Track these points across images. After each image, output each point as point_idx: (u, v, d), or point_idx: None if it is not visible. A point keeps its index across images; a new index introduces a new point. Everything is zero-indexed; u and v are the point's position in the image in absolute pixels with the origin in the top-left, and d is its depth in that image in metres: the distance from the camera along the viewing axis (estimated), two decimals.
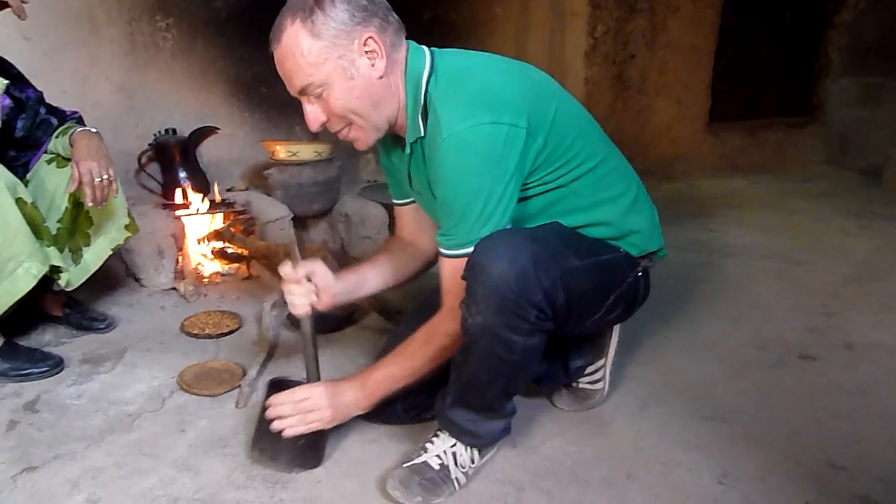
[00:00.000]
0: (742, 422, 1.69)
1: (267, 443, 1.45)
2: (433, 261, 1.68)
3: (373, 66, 1.28)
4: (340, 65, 1.26)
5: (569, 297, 1.32)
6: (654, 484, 1.46)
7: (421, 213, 1.61)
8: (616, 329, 1.73)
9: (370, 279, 1.63)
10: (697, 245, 3.10)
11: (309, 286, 1.49)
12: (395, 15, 1.32)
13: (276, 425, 1.41)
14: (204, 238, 2.67)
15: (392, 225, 1.73)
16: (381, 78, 1.30)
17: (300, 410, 1.41)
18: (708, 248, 3.08)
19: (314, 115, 1.32)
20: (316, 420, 1.42)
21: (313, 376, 1.51)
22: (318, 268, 1.52)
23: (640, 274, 1.53)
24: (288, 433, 1.41)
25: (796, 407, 1.77)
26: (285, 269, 1.49)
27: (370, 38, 1.26)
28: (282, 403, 1.42)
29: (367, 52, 1.27)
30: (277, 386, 1.49)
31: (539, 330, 1.31)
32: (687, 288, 2.56)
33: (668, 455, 1.56)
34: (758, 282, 2.67)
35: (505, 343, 1.28)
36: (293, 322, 2.19)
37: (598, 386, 1.74)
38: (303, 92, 1.30)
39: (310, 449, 1.46)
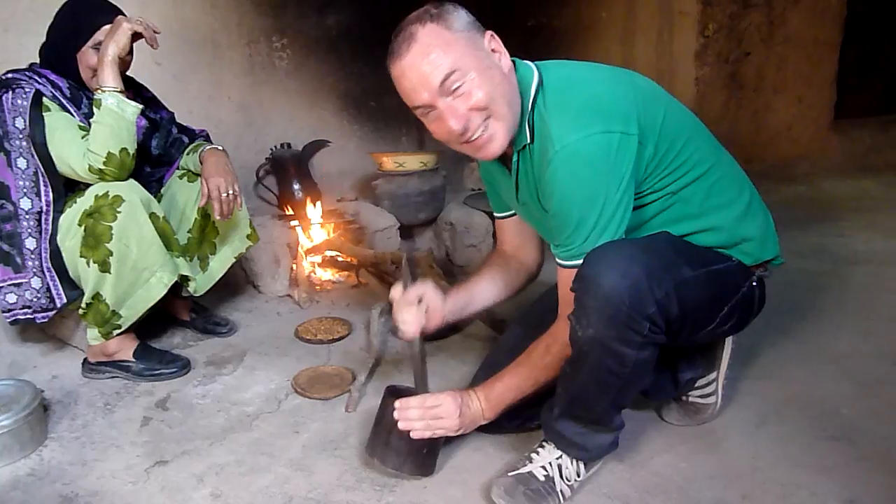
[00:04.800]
0: (873, 444, 1.57)
1: (389, 450, 1.46)
2: (536, 273, 1.68)
3: (500, 60, 1.32)
4: (477, 55, 1.29)
5: (682, 308, 1.28)
6: None
7: (522, 224, 1.61)
8: (729, 341, 1.65)
9: (477, 298, 1.64)
10: (822, 251, 2.90)
11: (419, 309, 1.51)
12: None
13: (403, 426, 1.43)
14: (316, 247, 2.79)
15: (496, 234, 1.74)
16: (510, 71, 1.33)
17: (429, 416, 1.43)
18: (834, 254, 2.88)
19: (453, 111, 1.27)
20: (443, 427, 1.43)
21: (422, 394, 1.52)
22: (429, 289, 1.54)
23: (754, 284, 1.46)
24: (415, 435, 1.42)
25: None
26: (396, 291, 1.52)
27: (493, 36, 1.31)
28: (411, 408, 1.44)
29: (493, 46, 1.31)
30: (394, 394, 1.51)
31: (651, 343, 1.27)
32: (810, 297, 2.40)
33: (789, 476, 1.47)
34: (891, 291, 2.47)
35: (616, 356, 1.26)
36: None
37: (710, 400, 1.67)
38: (445, 85, 1.25)
39: (430, 456, 1.48)
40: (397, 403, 1.44)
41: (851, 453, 1.54)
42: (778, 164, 4.16)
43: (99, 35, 1.84)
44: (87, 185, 1.85)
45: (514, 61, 1.36)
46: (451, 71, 1.25)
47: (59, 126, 1.83)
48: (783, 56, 4.19)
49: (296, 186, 2.99)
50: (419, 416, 1.43)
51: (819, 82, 4.30)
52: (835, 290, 2.50)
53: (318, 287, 2.70)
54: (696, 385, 1.66)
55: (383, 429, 1.47)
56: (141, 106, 1.85)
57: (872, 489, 1.41)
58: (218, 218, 2.00)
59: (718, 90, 4.12)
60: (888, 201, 3.71)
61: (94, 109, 1.79)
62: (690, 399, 1.67)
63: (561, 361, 1.37)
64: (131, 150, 1.83)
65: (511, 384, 1.44)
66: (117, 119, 1.79)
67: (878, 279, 2.59)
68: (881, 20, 4.41)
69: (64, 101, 1.87)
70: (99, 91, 1.79)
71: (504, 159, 1.44)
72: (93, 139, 1.78)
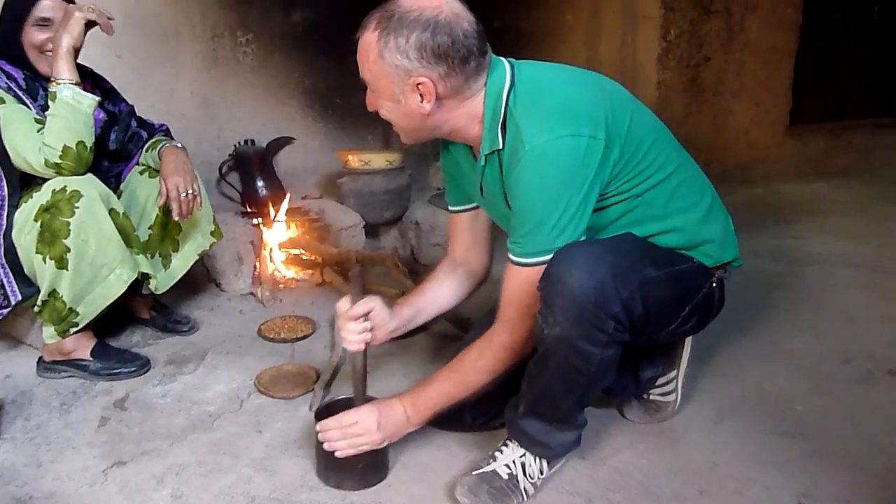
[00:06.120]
0: (825, 439, 1.62)
1: (330, 472, 1.47)
2: (484, 277, 1.69)
3: (421, 103, 1.31)
4: (392, 89, 1.31)
5: (646, 308, 1.31)
6: (729, 501, 1.42)
7: (477, 222, 1.63)
8: (689, 340, 1.69)
9: (423, 310, 1.64)
10: (777, 253, 2.98)
11: (365, 324, 1.49)
12: (479, 58, 1.30)
13: (327, 447, 1.43)
14: (280, 245, 2.76)
15: (449, 233, 1.73)
16: (427, 115, 1.33)
17: (349, 435, 1.42)
18: (789, 255, 2.97)
19: (369, 100, 1.39)
20: (365, 443, 1.42)
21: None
22: (376, 304, 1.52)
23: (714, 285, 1.50)
24: (340, 454, 1.42)
25: (885, 425, 1.68)
26: (342, 305, 1.50)
27: (422, 83, 1.28)
28: (330, 429, 1.43)
29: (418, 91, 1.30)
30: (321, 414, 1.49)
31: (616, 342, 1.30)
32: (766, 297, 2.47)
33: (745, 472, 1.51)
34: (843, 291, 2.55)
35: (582, 354, 1.28)
36: None
37: (670, 398, 1.70)
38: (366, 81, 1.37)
39: (371, 468, 1.48)
40: (318, 426, 1.44)
41: (804, 449, 1.59)
42: (736, 167, 4.26)
43: (38, 11, 1.80)
44: (45, 180, 1.80)
45: (490, 60, 1.35)
46: (366, 80, 1.35)
47: (14, 118, 1.77)
48: (742, 62, 4.29)
49: (259, 184, 2.96)
50: (340, 436, 1.42)
51: (776, 88, 4.42)
52: (789, 290, 2.57)
53: (281, 285, 2.67)
54: (657, 383, 1.69)
55: (319, 452, 1.47)
56: (98, 98, 1.81)
57: (824, 483, 1.46)
58: (177, 218, 1.97)
59: (679, 93, 4.20)
60: (840, 204, 3.83)
61: (49, 102, 1.75)
62: (651, 397, 1.71)
63: (494, 365, 1.38)
64: (89, 144, 1.79)
65: (441, 389, 1.43)
66: (73, 112, 1.74)
67: (831, 279, 2.68)
68: (834, 29, 4.55)
69: (20, 93, 1.81)
70: (54, 83, 1.75)
71: (474, 153, 1.45)
72: (48, 132, 1.74)
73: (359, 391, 1.51)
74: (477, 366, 1.39)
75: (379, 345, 1.59)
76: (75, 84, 1.76)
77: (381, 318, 1.53)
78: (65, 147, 1.74)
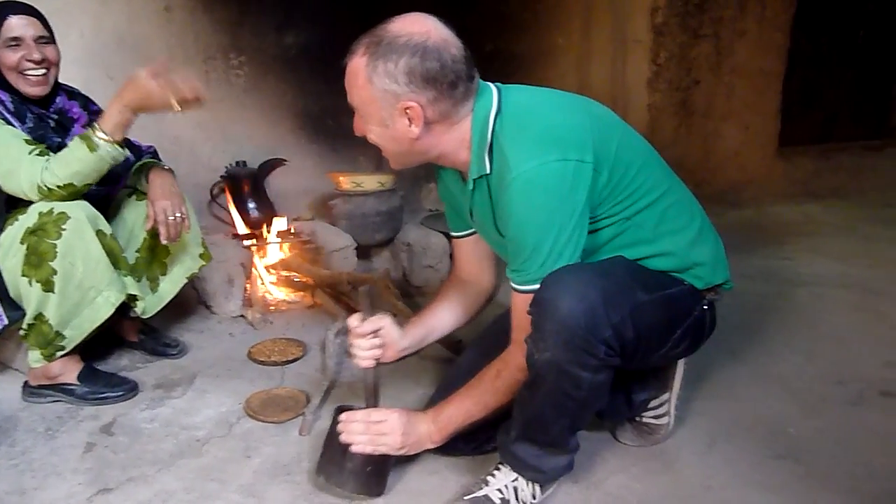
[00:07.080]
0: (819, 462, 1.61)
1: (334, 467, 1.46)
2: (492, 294, 1.69)
3: (409, 127, 1.32)
4: (380, 114, 1.32)
5: (637, 332, 1.30)
6: None
7: (480, 245, 1.62)
8: (681, 362, 1.68)
9: (436, 328, 1.65)
10: (768, 274, 2.99)
11: (375, 341, 1.51)
12: (467, 83, 1.31)
13: (344, 438, 1.42)
14: (271, 267, 2.75)
15: (453, 255, 1.74)
16: (415, 139, 1.33)
17: (373, 432, 1.43)
18: (779, 277, 2.97)
19: (357, 125, 1.40)
20: (385, 444, 1.42)
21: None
22: (386, 323, 1.53)
23: (705, 307, 1.50)
24: (355, 449, 1.42)
25: (878, 447, 1.67)
26: (353, 321, 1.51)
27: (410, 108, 1.29)
28: (355, 421, 1.44)
29: (407, 115, 1.30)
30: (344, 412, 1.49)
31: (607, 366, 1.29)
32: (757, 319, 2.47)
33: (739, 495, 1.50)
34: (833, 313, 2.56)
35: (572, 379, 1.27)
36: None
37: (663, 420, 1.69)
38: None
39: (375, 476, 1.47)
40: (342, 416, 1.45)
41: (799, 471, 1.58)
42: (726, 189, 4.28)
43: (6, 31, 1.79)
44: (28, 203, 1.79)
45: (478, 85, 1.36)
46: (354, 106, 1.36)
47: (2, 141, 1.76)
48: (731, 85, 4.34)
49: (251, 205, 2.95)
50: (362, 430, 1.42)
51: (764, 111, 4.47)
52: (781, 311, 2.57)
53: (272, 307, 2.65)
54: (650, 406, 1.68)
55: (330, 446, 1.47)
56: (128, 153, 1.85)
57: None
58: (165, 242, 1.96)
59: (670, 116, 4.24)
60: (829, 225, 3.85)
61: (79, 139, 1.73)
62: (644, 420, 1.70)
63: (511, 386, 1.38)
64: (91, 184, 1.80)
65: (461, 408, 1.44)
66: (99, 161, 1.75)
67: (822, 301, 2.68)
68: (821, 53, 4.62)
69: (8, 116, 1.81)
70: (95, 127, 1.75)
71: (464, 177, 1.45)
72: (60, 161, 1.73)
73: (371, 407, 1.51)
74: (494, 387, 1.40)
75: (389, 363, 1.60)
76: (115, 143, 1.76)
77: (391, 336, 1.54)
78: (69, 183, 1.74)
